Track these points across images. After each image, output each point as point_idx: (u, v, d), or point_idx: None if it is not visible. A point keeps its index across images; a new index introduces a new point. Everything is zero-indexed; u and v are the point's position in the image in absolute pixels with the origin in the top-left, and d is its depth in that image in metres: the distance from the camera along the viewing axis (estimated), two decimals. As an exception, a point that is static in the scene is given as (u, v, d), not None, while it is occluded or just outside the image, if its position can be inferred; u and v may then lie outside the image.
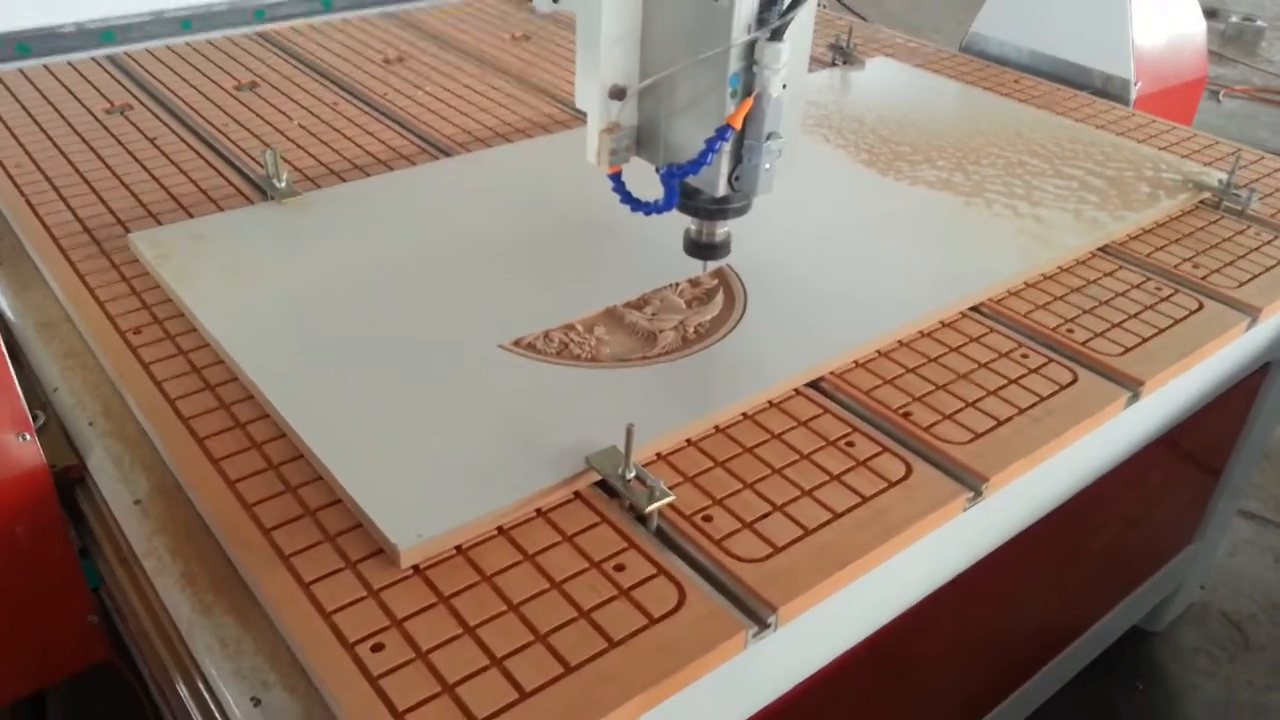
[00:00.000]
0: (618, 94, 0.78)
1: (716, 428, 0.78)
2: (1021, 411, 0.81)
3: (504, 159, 1.16)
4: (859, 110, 1.32)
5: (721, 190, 0.78)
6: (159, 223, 1.02)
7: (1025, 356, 0.88)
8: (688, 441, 0.77)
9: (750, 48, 0.73)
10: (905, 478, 0.74)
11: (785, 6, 0.72)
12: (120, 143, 1.19)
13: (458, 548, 0.67)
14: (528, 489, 0.70)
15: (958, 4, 3.71)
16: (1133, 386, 0.85)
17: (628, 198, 0.82)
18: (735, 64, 0.73)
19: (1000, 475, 0.75)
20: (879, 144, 1.23)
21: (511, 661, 0.60)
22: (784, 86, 0.74)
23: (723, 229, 0.85)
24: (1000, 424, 0.80)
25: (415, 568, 0.66)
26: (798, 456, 0.76)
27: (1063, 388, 0.84)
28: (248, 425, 0.77)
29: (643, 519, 0.69)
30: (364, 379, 0.79)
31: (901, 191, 1.13)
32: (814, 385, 0.84)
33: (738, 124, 0.74)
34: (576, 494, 0.72)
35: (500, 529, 0.69)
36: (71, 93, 1.30)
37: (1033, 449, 0.78)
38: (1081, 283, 0.99)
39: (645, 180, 0.83)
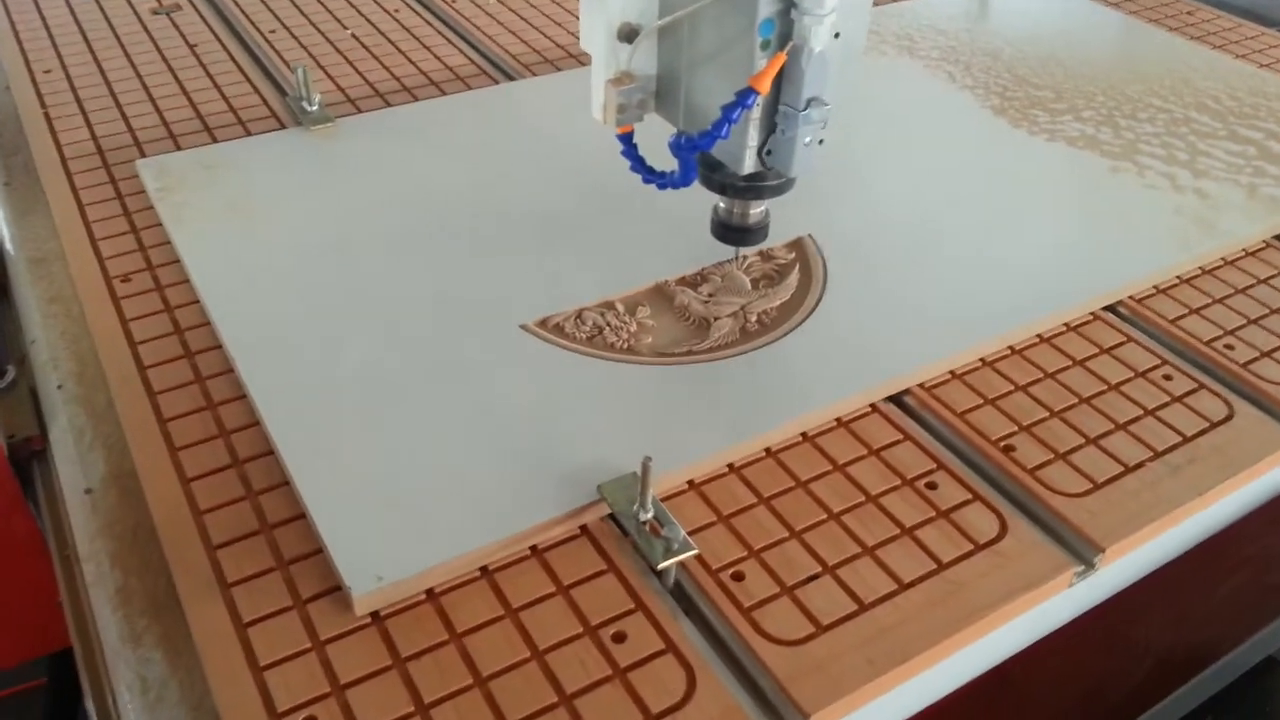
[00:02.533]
0: (628, 35, 0.62)
1: (768, 450, 0.64)
2: (1157, 456, 0.65)
3: (570, 86, 1.01)
4: (995, 42, 1.13)
5: (748, 167, 0.62)
6: (178, 146, 0.92)
7: (1169, 379, 0.70)
8: (729, 467, 0.63)
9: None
10: (998, 539, 0.59)
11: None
12: (158, 48, 1.08)
13: (430, 591, 0.55)
14: (523, 522, 0.57)
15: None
16: (1305, 429, 0.67)
17: (639, 165, 0.67)
18: (768, 5, 0.57)
19: (1120, 545, 0.59)
20: (1014, 86, 1.04)
21: (469, 754, 0.49)
22: (836, 36, 0.58)
23: (758, 209, 0.70)
24: (1127, 471, 0.64)
25: (375, 615, 0.54)
26: (863, 498, 0.61)
27: (1213, 425, 0.67)
28: (219, 406, 0.66)
29: (657, 572, 0.56)
30: (356, 361, 0.68)
31: (1035, 148, 0.94)
32: (896, 400, 0.68)
33: (763, 86, 0.58)
34: (583, 529, 0.59)
35: (484, 569, 0.57)
36: (118, -12, 1.20)
37: (1166, 511, 0.61)
38: (1251, 281, 0.80)
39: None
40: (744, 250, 0.77)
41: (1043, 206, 0.86)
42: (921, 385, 0.69)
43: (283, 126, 0.95)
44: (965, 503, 0.61)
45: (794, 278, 0.77)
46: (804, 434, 0.65)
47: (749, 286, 0.75)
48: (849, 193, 0.86)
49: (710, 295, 0.74)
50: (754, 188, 0.66)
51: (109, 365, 0.69)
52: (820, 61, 0.58)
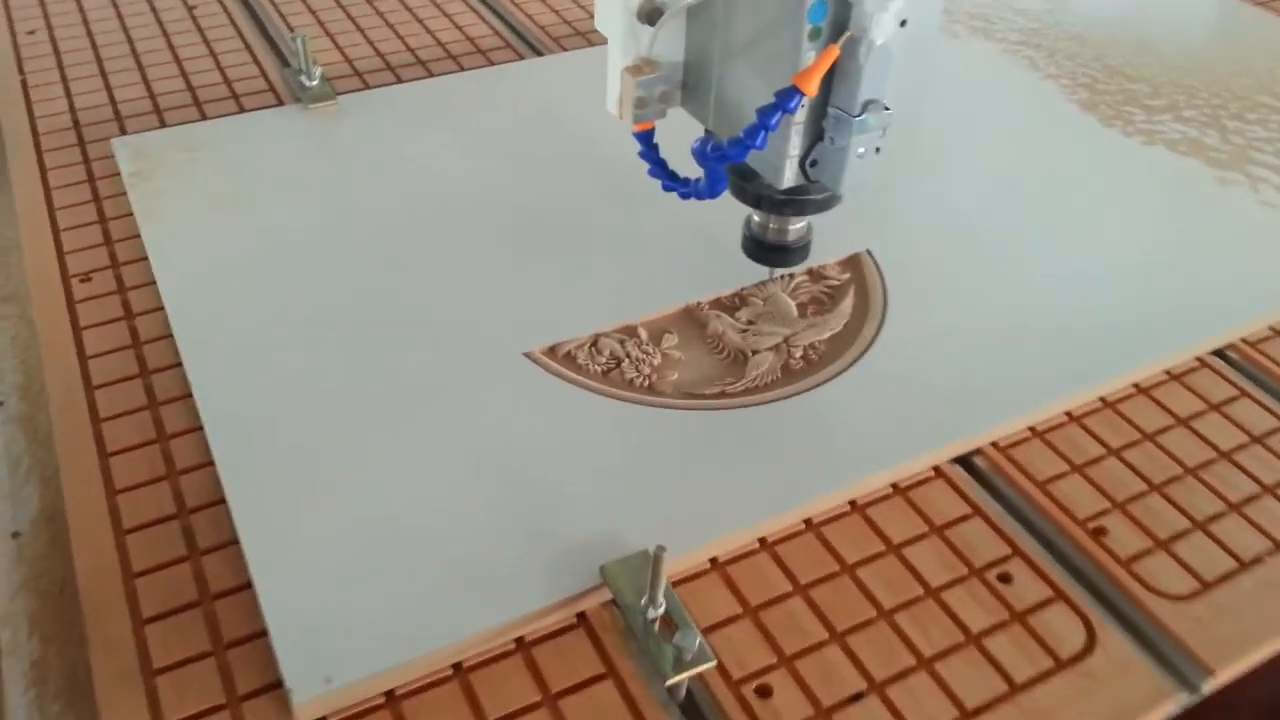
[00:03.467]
0: (650, 14, 0.52)
1: (809, 523, 0.54)
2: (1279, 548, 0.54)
3: (604, 64, 0.90)
4: (1083, 25, 1.00)
5: (788, 180, 0.51)
6: (162, 123, 0.82)
7: (1292, 447, 0.59)
8: (762, 542, 0.53)
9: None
10: (1085, 653, 0.48)
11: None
12: (154, 9, 0.99)
13: (389, 693, 0.46)
14: (509, 610, 0.48)
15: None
16: None
17: (659, 169, 0.56)
18: (818, -15, 0.46)
19: (1233, 666, 0.48)
20: (1105, 77, 0.92)
21: None
22: (902, 24, 0.47)
23: (798, 224, 0.59)
24: (1243, 568, 0.52)
25: (323, 721, 0.45)
26: (921, 591, 0.51)
27: (1348, 508, 0.56)
28: (172, 440, 0.57)
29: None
30: (331, 394, 0.58)
31: (1131, 152, 0.82)
32: (965, 462, 0.58)
33: (810, 87, 0.47)
34: (581, 617, 0.49)
35: (458, 666, 0.47)
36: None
37: (1293, 623, 0.50)
38: (1388, 325, 0.68)
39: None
40: (785, 270, 0.66)
41: (1140, 223, 0.74)
42: (995, 444, 0.58)
43: (280, 103, 0.85)
44: (1046, 602, 0.50)
45: (848, 303, 0.66)
46: (853, 502, 0.55)
47: (795, 313, 0.65)
48: (914, 199, 0.75)
49: (749, 323, 0.64)
50: (795, 202, 0.55)
51: (53, 383, 0.60)
52: (882, 57, 0.47)
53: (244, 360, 0.59)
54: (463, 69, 0.91)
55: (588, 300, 0.64)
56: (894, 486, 0.56)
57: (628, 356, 0.61)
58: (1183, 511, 0.55)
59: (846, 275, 0.68)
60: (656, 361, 0.61)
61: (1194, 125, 0.85)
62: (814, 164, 0.51)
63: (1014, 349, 0.63)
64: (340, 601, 0.47)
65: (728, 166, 0.54)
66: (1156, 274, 0.69)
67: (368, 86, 0.88)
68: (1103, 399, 0.61)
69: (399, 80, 0.89)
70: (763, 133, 0.47)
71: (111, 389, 0.60)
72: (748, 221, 0.59)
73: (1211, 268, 0.70)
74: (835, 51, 0.47)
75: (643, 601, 0.47)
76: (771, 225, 0.58)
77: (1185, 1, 1.07)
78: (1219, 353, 0.65)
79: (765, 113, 0.48)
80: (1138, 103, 0.88)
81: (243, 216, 0.70)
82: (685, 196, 0.56)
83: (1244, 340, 0.66)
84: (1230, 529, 0.54)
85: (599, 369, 0.60)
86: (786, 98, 0.47)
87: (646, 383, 0.60)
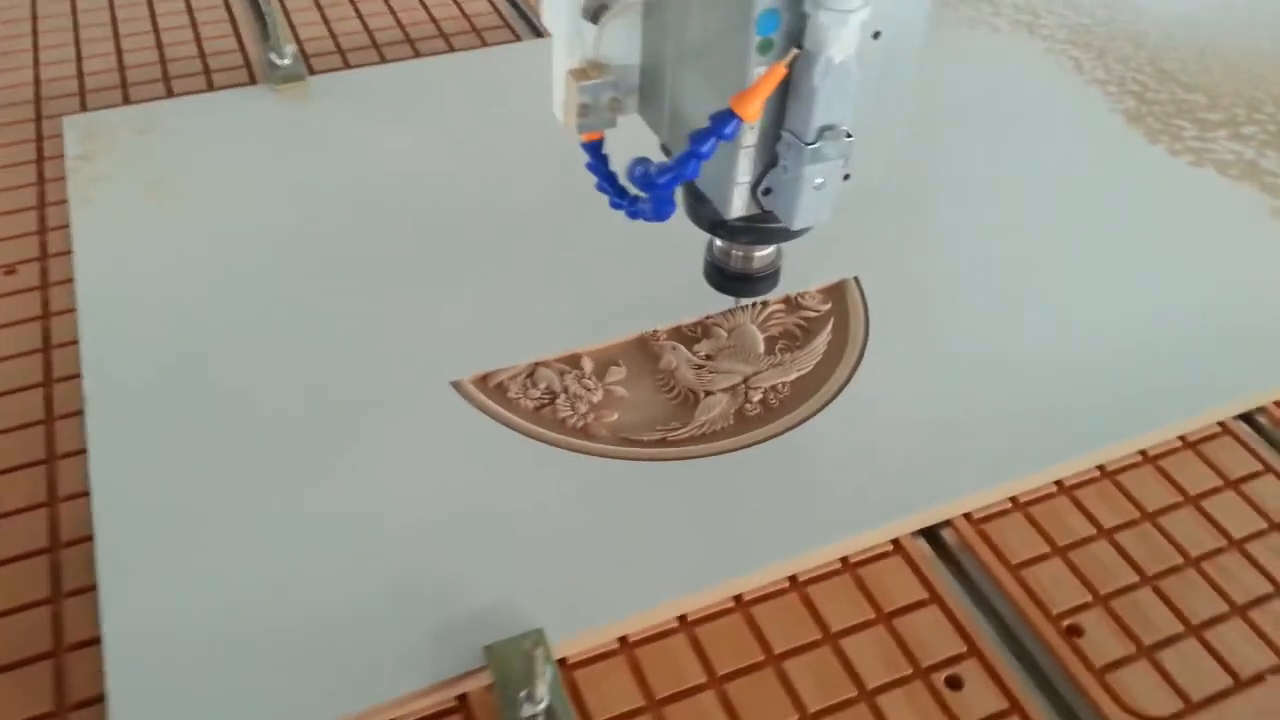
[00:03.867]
0: (595, 12, 0.45)
1: (738, 599, 0.47)
2: (1287, 666, 0.46)
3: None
4: (1139, 24, 0.90)
5: (736, 209, 0.45)
6: (126, 99, 0.78)
7: (1318, 539, 0.51)
8: (681, 620, 0.47)
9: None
10: (1034, 783, 0.42)
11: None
12: (142, -27, 0.94)
13: (235, 779, 0.41)
14: (379, 694, 0.42)
15: None
16: None
17: (607, 183, 0.49)
18: (770, -10, 0.39)
19: (1216, 812, 0.41)
20: (1157, 83, 0.82)
21: None
22: (875, 36, 0.39)
23: (764, 251, 0.52)
24: (1239, 687, 0.45)
25: (156, 806, 0.40)
26: (855, 693, 0.44)
27: (1375, 620, 0.48)
28: (61, 461, 0.52)
29: (544, 787, 0.41)
30: (232, 427, 0.53)
31: (1175, 174, 0.73)
32: (930, 534, 0.51)
33: (748, 111, 0.40)
34: (463, 701, 0.44)
35: (318, 751, 0.42)
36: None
37: (1291, 762, 0.43)
38: None
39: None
40: (754, 299, 0.59)
41: (1175, 257, 0.66)
42: (968, 516, 0.51)
43: (253, 81, 0.80)
44: (998, 716, 0.44)
45: (823, 339, 0.59)
46: (793, 578, 0.48)
47: (761, 348, 0.58)
48: (918, 220, 0.67)
49: (707, 358, 0.57)
50: (755, 229, 0.49)
51: (-49, 388, 0.56)
52: (840, 76, 0.40)
53: (146, 378, 0.55)
54: (453, 49, 0.85)
55: (535, 320, 0.59)
56: (843, 561, 0.49)
57: (564, 391, 0.55)
58: (1176, 612, 0.48)
59: (827, 306, 0.61)
60: (596, 399, 0.55)
61: (1252, 144, 0.76)
62: (767, 192, 0.44)
63: (1003, 402, 0.55)
64: (195, 676, 0.43)
65: (682, 185, 0.48)
66: (1185, 318, 0.61)
67: (347, 66, 0.82)
68: (1101, 468, 0.54)
69: (382, 60, 0.83)
70: (695, 161, 0.41)
71: (9, 399, 0.56)
72: (709, 245, 0.53)
73: (1248, 316, 0.62)
74: (781, 71, 0.40)
75: (521, 695, 0.41)
76: (735, 252, 0.52)
77: (1258, 2, 0.96)
78: (1247, 417, 0.57)
79: (698, 138, 0.41)
80: (1190, 115, 0.79)
81: (176, 211, 0.65)
82: (633, 216, 0.49)
83: (1276, 402, 0.58)
84: (1230, 637, 0.47)
85: (531, 404, 0.54)
86: (722, 122, 0.41)
87: (581, 423, 0.54)
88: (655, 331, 0.59)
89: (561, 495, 0.50)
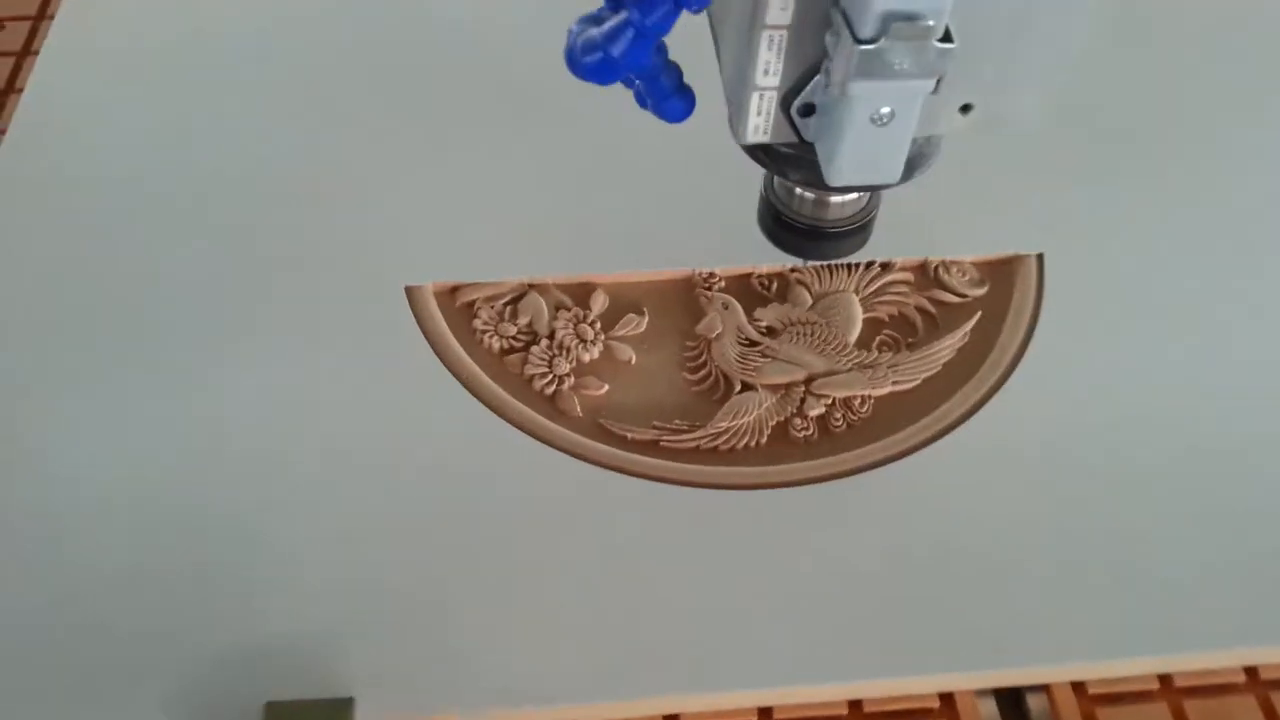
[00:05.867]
0: None
1: (670, 723, 0.31)
2: None
3: None
4: None
5: (752, 131, 0.26)
6: None
7: None
8: (572, 734, 0.31)
9: None
10: None
11: None
12: None
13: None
14: None
15: None
16: None
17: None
18: None
19: None
20: None
21: None
22: None
23: (846, 197, 0.32)
24: None
25: None
26: None
27: None
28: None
29: None
30: (93, 300, 0.40)
31: None
32: (1008, 697, 0.32)
33: None
34: None
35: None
36: None
37: None
38: None
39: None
40: (838, 260, 0.40)
41: None
42: (1078, 687, 0.32)
43: None
44: None
45: (956, 340, 0.39)
46: (765, 711, 0.32)
47: (853, 335, 0.39)
48: (1158, 186, 0.45)
49: (768, 330, 0.39)
50: (808, 161, 0.29)
51: None
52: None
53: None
54: None
55: (542, 224, 0.42)
56: (852, 706, 0.32)
57: (550, 336, 0.39)
58: None
59: (981, 290, 0.41)
60: (589, 356, 0.38)
61: None
62: (807, 112, 0.25)
63: (1209, 509, 0.35)
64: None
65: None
66: None
67: None
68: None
69: None
70: (626, 35, 0.23)
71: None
72: (765, 181, 0.34)
73: None
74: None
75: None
76: (799, 192, 0.33)
77: None
78: None
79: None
80: None
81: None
82: (641, 104, 0.31)
83: None
84: None
85: (499, 343, 0.39)
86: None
87: (552, 388, 0.37)
88: (710, 275, 0.41)
89: (471, 500, 0.34)
